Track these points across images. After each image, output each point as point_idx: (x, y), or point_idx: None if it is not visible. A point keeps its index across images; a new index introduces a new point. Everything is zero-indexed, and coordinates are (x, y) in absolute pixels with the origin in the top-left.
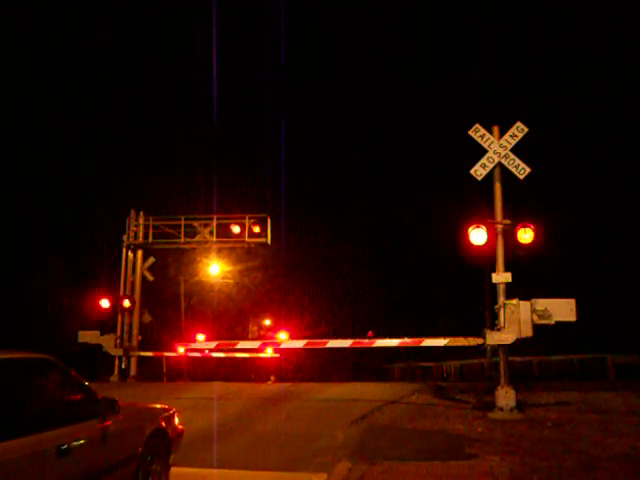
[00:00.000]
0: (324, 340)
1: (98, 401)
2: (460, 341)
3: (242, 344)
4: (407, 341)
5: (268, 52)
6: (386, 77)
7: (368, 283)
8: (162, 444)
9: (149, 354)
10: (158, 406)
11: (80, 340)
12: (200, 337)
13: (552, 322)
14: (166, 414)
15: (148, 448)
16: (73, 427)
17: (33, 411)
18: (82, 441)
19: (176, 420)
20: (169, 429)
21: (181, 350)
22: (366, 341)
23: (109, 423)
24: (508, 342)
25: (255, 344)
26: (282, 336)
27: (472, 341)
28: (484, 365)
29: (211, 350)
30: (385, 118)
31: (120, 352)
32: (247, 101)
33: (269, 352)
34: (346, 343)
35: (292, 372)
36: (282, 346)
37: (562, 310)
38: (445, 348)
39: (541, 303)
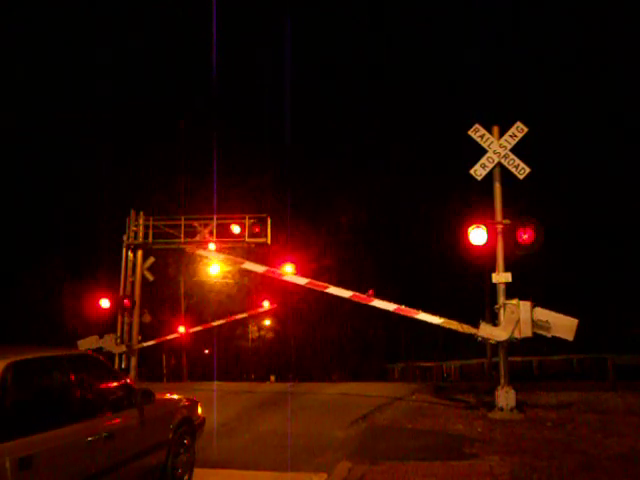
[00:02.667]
0: (325, 284)
1: (136, 392)
2: (454, 325)
3: (333, 289)
4: (403, 309)
5: (269, 53)
6: (386, 77)
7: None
8: (188, 431)
9: (151, 343)
10: (184, 397)
11: (80, 349)
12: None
13: (549, 335)
14: (191, 404)
15: (177, 434)
16: (116, 415)
17: (84, 400)
18: (123, 427)
19: (199, 410)
20: (194, 418)
21: (181, 329)
22: (364, 296)
23: (145, 412)
24: (500, 339)
25: (346, 293)
26: (288, 269)
27: (466, 328)
28: (484, 365)
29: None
30: (384, 118)
31: (123, 348)
32: (246, 101)
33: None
34: (346, 294)
35: (292, 371)
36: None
37: (562, 327)
38: (445, 348)
39: (543, 314)
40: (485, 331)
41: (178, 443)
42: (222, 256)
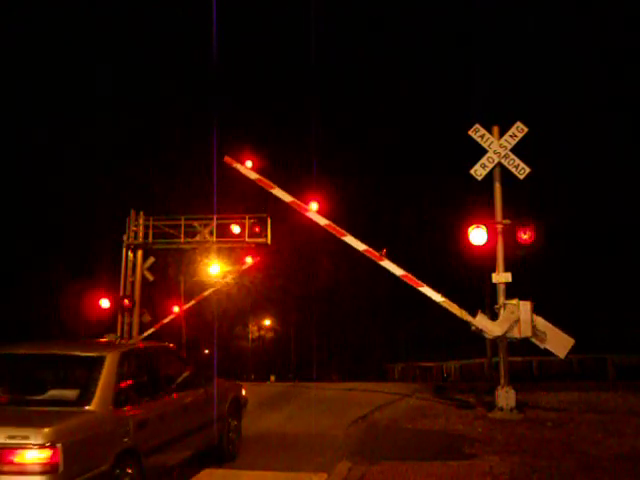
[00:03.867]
0: (343, 231)
1: (201, 375)
2: (454, 308)
3: (349, 238)
4: (410, 277)
5: (268, 52)
6: (385, 77)
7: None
8: (237, 407)
9: (151, 330)
10: (233, 381)
11: None
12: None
13: (541, 346)
14: (238, 387)
15: (229, 410)
16: (189, 392)
17: (169, 380)
18: (194, 402)
19: (243, 392)
20: (240, 397)
21: (176, 309)
22: (377, 254)
23: (207, 391)
24: (493, 333)
25: (361, 246)
26: (314, 206)
27: (464, 315)
28: (484, 365)
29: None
30: (384, 117)
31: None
32: (247, 100)
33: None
34: (360, 247)
35: (292, 371)
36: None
37: (558, 343)
38: (445, 348)
39: (543, 324)
40: (481, 322)
41: (230, 416)
42: (255, 175)
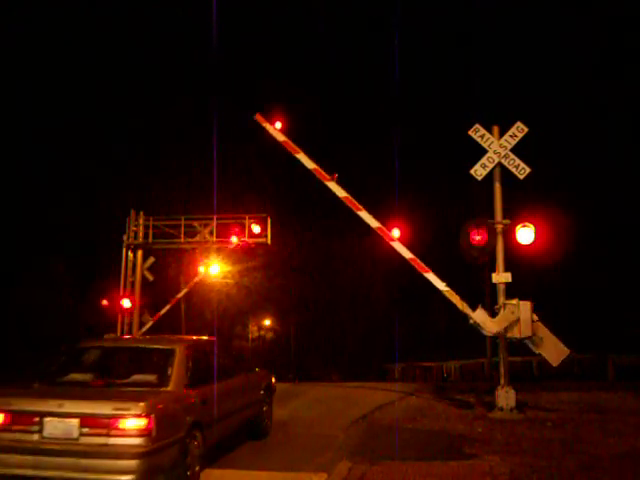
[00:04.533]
0: (360, 206)
1: (243, 363)
2: (456, 299)
3: (364, 214)
4: (417, 261)
5: (268, 52)
6: (384, 76)
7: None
8: (269, 392)
9: (149, 324)
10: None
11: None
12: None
13: (535, 350)
14: (270, 375)
15: (265, 393)
16: (236, 378)
17: (222, 366)
18: (241, 385)
19: (273, 380)
20: (271, 385)
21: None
22: (389, 235)
23: (249, 377)
24: (489, 330)
25: (374, 223)
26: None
27: (465, 307)
28: (484, 365)
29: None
30: (384, 117)
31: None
32: (247, 100)
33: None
34: (374, 224)
35: (292, 371)
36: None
37: (553, 350)
38: (446, 347)
39: (542, 330)
40: (479, 317)
41: (265, 399)
42: (283, 137)
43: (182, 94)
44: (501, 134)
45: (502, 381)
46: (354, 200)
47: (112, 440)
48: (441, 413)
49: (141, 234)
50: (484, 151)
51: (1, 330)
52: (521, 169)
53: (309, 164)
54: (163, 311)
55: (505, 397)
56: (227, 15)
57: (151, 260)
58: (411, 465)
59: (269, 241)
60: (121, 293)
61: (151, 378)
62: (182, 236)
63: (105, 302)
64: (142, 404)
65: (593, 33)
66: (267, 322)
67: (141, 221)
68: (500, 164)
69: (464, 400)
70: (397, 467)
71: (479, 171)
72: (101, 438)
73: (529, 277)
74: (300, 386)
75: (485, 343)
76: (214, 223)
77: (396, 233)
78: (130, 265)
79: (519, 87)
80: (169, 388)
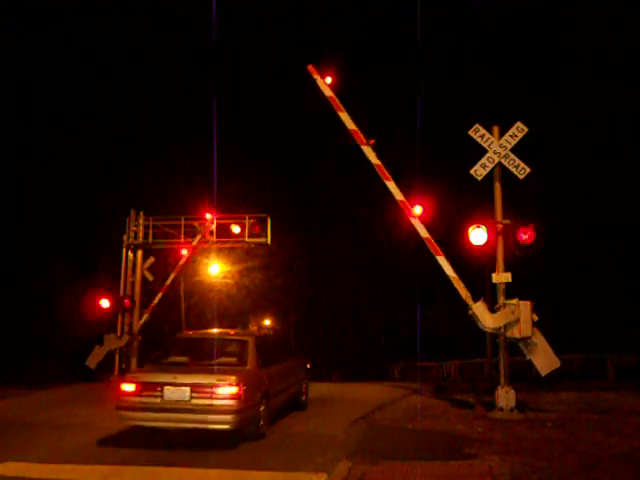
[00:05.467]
0: (388, 176)
1: (292, 349)
2: (461, 287)
3: (391, 184)
4: (432, 242)
5: (269, 52)
6: (384, 76)
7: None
8: (308, 374)
9: (145, 316)
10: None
11: (92, 366)
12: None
13: (526, 356)
14: (308, 360)
15: (304, 375)
16: (287, 361)
17: (278, 352)
18: (291, 367)
19: (309, 365)
20: (309, 368)
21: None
22: (410, 210)
23: (297, 361)
24: (486, 325)
25: (399, 195)
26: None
27: (468, 297)
28: (484, 365)
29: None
30: (383, 118)
31: (126, 338)
32: (246, 100)
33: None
34: (398, 196)
35: None
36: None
37: (544, 359)
38: (445, 347)
39: (539, 337)
40: (479, 309)
41: (305, 379)
42: (330, 93)
43: (182, 94)
44: (501, 134)
45: (502, 381)
46: (385, 169)
47: (215, 401)
48: (441, 413)
49: (141, 234)
50: (484, 151)
51: (1, 330)
52: (521, 169)
53: (350, 124)
54: (155, 300)
55: (505, 397)
56: (227, 14)
57: (151, 260)
58: (411, 465)
59: (269, 241)
60: (121, 293)
61: (233, 360)
62: (182, 236)
63: (105, 302)
64: (234, 377)
65: (593, 33)
66: (267, 322)
67: (141, 221)
68: (500, 164)
69: (464, 400)
70: (397, 467)
71: (479, 171)
72: (206, 400)
73: (529, 277)
74: None
75: (485, 343)
76: (214, 223)
77: (417, 210)
78: (130, 265)
79: (519, 87)
80: (247, 367)
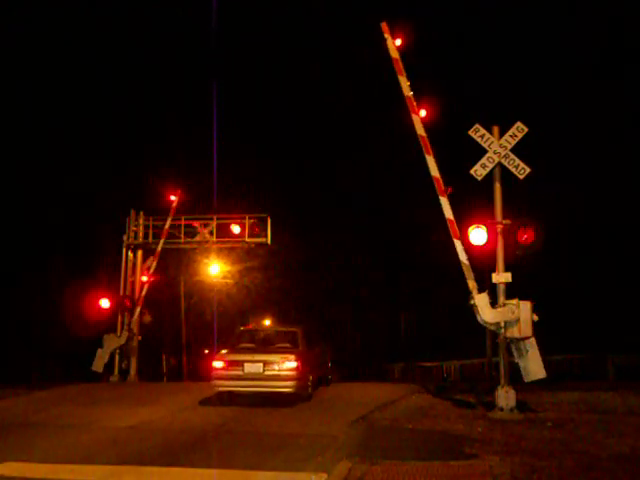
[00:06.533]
0: (429, 150)
1: (320, 337)
2: (470, 275)
3: (444, 201)
4: (454, 225)
5: (269, 52)
6: (383, 76)
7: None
8: (331, 358)
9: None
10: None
11: (99, 370)
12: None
13: (515, 359)
14: (331, 347)
15: (329, 359)
16: (318, 347)
17: (311, 341)
18: (320, 352)
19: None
20: (333, 353)
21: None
22: (442, 189)
23: (323, 348)
24: (483, 318)
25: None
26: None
27: (474, 287)
28: (484, 365)
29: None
30: (384, 118)
31: (125, 334)
32: (246, 100)
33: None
34: (434, 172)
35: None
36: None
37: (531, 366)
38: (445, 347)
39: (532, 345)
40: (481, 301)
41: (329, 361)
42: (396, 55)
43: (182, 94)
44: (501, 134)
45: (502, 381)
46: (428, 142)
47: (281, 372)
48: (441, 413)
49: (141, 234)
50: (484, 151)
51: (1, 330)
52: (521, 169)
53: (407, 90)
54: (143, 292)
55: (505, 397)
56: (227, 15)
57: (151, 260)
58: (411, 465)
59: (269, 241)
60: (121, 293)
61: (288, 345)
62: (182, 236)
63: (105, 302)
64: (294, 355)
65: (593, 33)
66: (267, 322)
67: (141, 221)
68: (500, 164)
69: (464, 400)
70: (397, 467)
71: (479, 171)
72: (275, 372)
73: (529, 277)
74: None
75: (485, 343)
76: (214, 223)
77: (445, 197)
78: (130, 265)
79: (519, 87)
80: (299, 349)
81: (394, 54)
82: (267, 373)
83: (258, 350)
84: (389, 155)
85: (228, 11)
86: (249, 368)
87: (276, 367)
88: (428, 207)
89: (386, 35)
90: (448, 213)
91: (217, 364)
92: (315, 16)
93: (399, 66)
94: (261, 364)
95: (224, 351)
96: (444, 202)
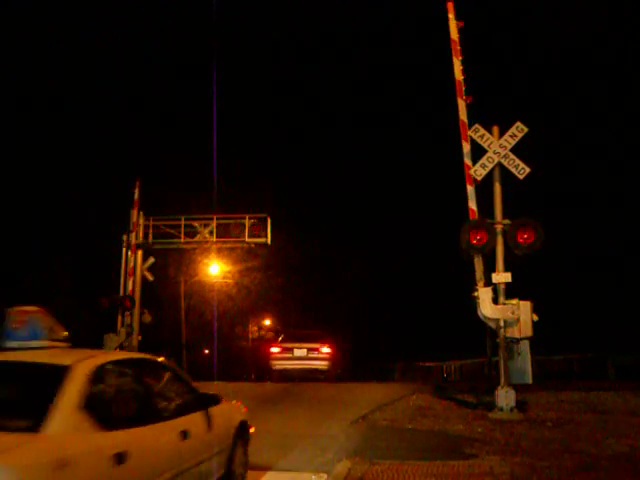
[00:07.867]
0: (466, 137)
1: (327, 334)
2: (480, 267)
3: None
4: (475, 213)
5: (269, 52)
6: (382, 75)
7: (369, 283)
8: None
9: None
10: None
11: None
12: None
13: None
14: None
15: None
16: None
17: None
18: (339, 347)
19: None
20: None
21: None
22: (470, 177)
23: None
24: (482, 311)
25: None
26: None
27: (481, 279)
28: (484, 365)
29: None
30: (383, 117)
31: (123, 333)
32: (246, 100)
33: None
34: (467, 159)
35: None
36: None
37: (518, 369)
38: (445, 347)
39: (526, 348)
40: (484, 294)
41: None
42: (456, 35)
43: (182, 93)
44: (501, 134)
45: (502, 381)
46: (467, 128)
47: (319, 354)
48: (441, 413)
49: (141, 234)
50: (484, 151)
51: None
52: (521, 169)
53: (459, 75)
54: (129, 287)
55: (505, 397)
56: (227, 14)
57: (151, 260)
58: (411, 465)
59: (269, 241)
60: (121, 293)
61: (320, 340)
62: (182, 236)
63: (105, 302)
64: (328, 345)
65: (593, 32)
66: (267, 322)
67: (141, 221)
68: (500, 164)
69: (464, 400)
70: (397, 467)
71: (479, 171)
72: (316, 354)
73: (529, 277)
74: (299, 386)
75: (485, 343)
76: (214, 223)
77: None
78: (130, 265)
79: (519, 87)
80: (330, 341)
81: (454, 35)
82: (310, 355)
83: (302, 341)
84: (389, 155)
85: (228, 13)
86: (298, 352)
87: (317, 351)
88: (428, 208)
89: (450, 15)
90: (471, 202)
91: (274, 350)
92: (302, 15)
93: (456, 48)
94: (305, 349)
95: (280, 339)
96: (471, 191)
